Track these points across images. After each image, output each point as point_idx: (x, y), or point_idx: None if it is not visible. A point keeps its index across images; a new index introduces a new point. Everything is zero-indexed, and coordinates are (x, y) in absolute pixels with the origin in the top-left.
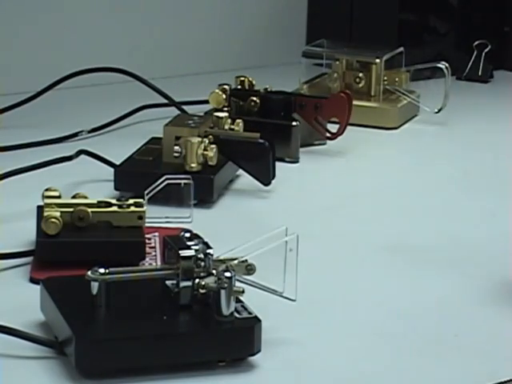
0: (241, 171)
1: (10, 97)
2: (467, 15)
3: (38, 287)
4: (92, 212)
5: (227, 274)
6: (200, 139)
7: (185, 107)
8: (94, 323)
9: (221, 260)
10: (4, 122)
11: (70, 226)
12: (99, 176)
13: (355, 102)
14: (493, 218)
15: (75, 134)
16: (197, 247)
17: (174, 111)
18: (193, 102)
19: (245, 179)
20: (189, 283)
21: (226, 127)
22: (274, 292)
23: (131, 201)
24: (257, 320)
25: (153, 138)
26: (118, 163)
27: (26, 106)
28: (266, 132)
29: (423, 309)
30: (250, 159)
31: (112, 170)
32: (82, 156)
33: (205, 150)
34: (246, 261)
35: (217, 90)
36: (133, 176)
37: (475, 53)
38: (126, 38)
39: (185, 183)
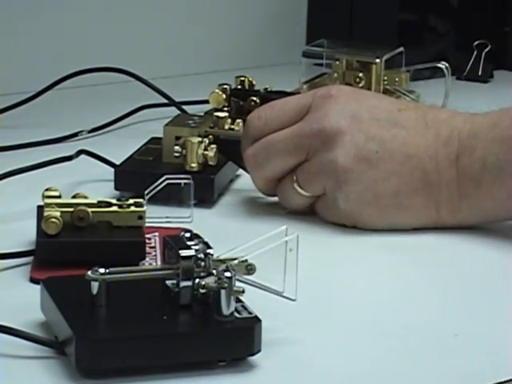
0: (241, 171)
1: (10, 97)
2: (467, 15)
3: (38, 287)
4: (92, 212)
5: (227, 274)
6: (200, 139)
7: (185, 107)
8: (94, 323)
9: (221, 260)
10: (4, 121)
11: (70, 225)
12: (99, 176)
13: None
14: None
15: (75, 134)
16: (197, 247)
17: (174, 111)
18: (193, 102)
19: (245, 179)
20: (189, 283)
21: (226, 127)
22: (274, 292)
23: (131, 201)
24: (257, 320)
25: (153, 138)
26: (118, 163)
27: (26, 105)
28: None
29: (423, 308)
30: None
31: (112, 169)
32: (82, 156)
33: (205, 149)
34: (246, 261)
35: (217, 90)
36: (133, 176)
37: (475, 53)
38: (126, 38)
39: (185, 183)
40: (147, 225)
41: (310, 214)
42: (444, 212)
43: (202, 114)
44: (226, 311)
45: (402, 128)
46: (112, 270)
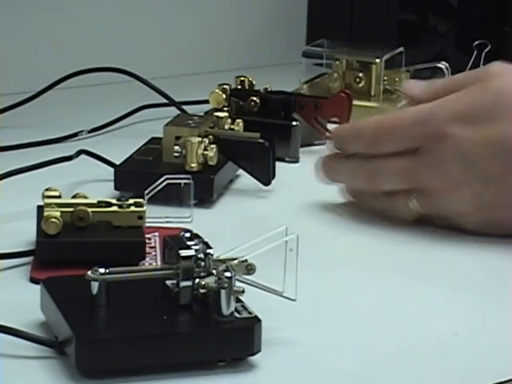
0: (241, 171)
1: (10, 97)
2: (467, 15)
3: (38, 287)
4: (92, 212)
5: (227, 274)
6: (200, 139)
7: (185, 107)
8: (94, 323)
9: (221, 260)
10: (4, 121)
11: (70, 225)
12: (99, 176)
13: (355, 102)
14: None
15: (75, 134)
16: (197, 247)
17: (174, 111)
18: (193, 102)
19: (245, 179)
20: (189, 283)
21: (226, 127)
22: (274, 292)
23: (131, 201)
24: (257, 320)
25: (153, 138)
26: (118, 163)
27: (26, 105)
28: (266, 132)
29: (423, 308)
30: (250, 159)
31: (112, 169)
32: (82, 156)
33: (205, 149)
34: (246, 261)
35: (217, 90)
36: (133, 176)
37: (475, 53)
38: (126, 38)
39: (185, 183)
40: (147, 225)
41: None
42: None
43: (201, 114)
44: (226, 311)
45: None
46: (112, 270)
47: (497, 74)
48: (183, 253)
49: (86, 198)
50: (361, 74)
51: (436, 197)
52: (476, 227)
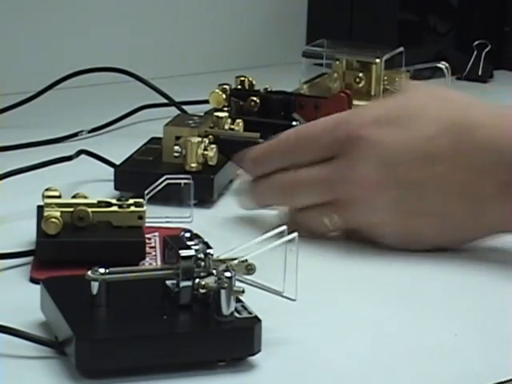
0: (241, 171)
1: (10, 97)
2: (467, 15)
3: (38, 287)
4: (92, 212)
5: (227, 274)
6: (200, 139)
7: (185, 107)
8: (94, 323)
9: (221, 260)
10: (4, 121)
11: (70, 225)
12: (99, 176)
13: (355, 102)
14: None
15: (75, 134)
16: (197, 247)
17: (174, 111)
18: (193, 102)
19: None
20: (189, 283)
21: (226, 127)
22: (274, 292)
23: (131, 201)
24: (257, 320)
25: (153, 138)
26: (118, 163)
27: (26, 105)
28: (266, 132)
29: (423, 308)
30: None
31: (112, 169)
32: (82, 156)
33: (205, 149)
34: (246, 261)
35: (217, 90)
36: (133, 176)
37: (475, 53)
38: (126, 38)
39: (185, 183)
40: (147, 225)
41: None
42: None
43: (201, 114)
44: (226, 311)
45: (437, 163)
46: (112, 270)
47: (414, 88)
48: (183, 253)
49: (86, 198)
50: (361, 74)
51: (351, 206)
52: (393, 239)
